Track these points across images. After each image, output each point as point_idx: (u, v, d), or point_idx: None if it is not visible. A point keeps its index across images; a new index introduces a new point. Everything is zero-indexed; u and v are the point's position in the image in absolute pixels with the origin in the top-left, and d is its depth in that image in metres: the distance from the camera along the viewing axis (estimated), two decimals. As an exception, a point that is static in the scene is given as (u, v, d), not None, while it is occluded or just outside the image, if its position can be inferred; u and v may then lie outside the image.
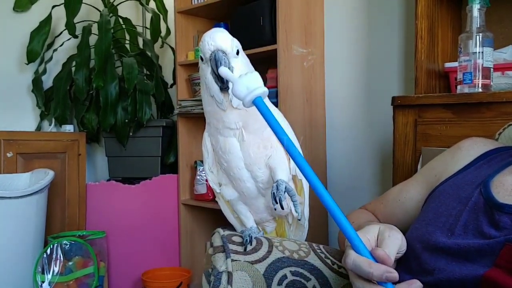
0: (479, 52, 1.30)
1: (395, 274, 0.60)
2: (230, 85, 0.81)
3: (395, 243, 0.66)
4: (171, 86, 2.64)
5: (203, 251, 2.47)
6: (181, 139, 2.38)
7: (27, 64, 2.37)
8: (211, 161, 0.95)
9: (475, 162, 0.81)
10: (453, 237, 0.68)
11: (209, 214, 2.41)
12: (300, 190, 0.96)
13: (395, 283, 0.61)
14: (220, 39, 0.82)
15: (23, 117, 2.46)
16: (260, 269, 0.81)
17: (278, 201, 0.83)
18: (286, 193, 0.85)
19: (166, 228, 2.40)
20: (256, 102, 0.72)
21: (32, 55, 2.35)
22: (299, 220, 0.87)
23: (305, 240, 1.00)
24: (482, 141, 0.86)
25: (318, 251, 0.90)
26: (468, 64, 1.32)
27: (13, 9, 2.42)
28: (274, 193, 0.84)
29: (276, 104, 1.84)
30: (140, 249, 2.34)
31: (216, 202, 2.26)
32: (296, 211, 0.85)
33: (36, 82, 2.40)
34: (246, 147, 0.88)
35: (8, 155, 1.99)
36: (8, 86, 2.41)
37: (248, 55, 0.92)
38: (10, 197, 1.71)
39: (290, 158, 0.91)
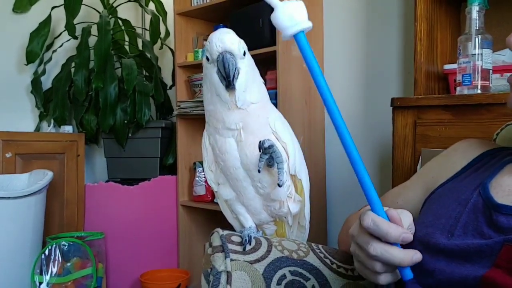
0: (478, 54, 1.30)
1: (410, 236, 0.62)
2: (237, 85, 0.83)
3: (407, 215, 0.66)
4: (170, 87, 2.64)
5: (202, 252, 2.47)
6: (180, 140, 2.38)
7: (27, 65, 2.37)
8: (210, 160, 0.96)
9: (472, 163, 0.81)
10: (453, 238, 0.68)
11: (208, 215, 2.41)
12: (300, 191, 0.96)
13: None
14: (228, 41, 0.83)
15: (22, 117, 2.46)
16: (259, 269, 0.81)
17: (261, 146, 0.83)
18: (272, 155, 0.85)
19: (165, 229, 2.40)
20: (298, 38, 0.63)
21: (31, 56, 2.35)
22: (280, 186, 0.87)
23: (308, 240, 1.00)
24: (478, 142, 0.86)
25: (317, 251, 0.90)
26: (467, 66, 1.32)
27: (13, 10, 2.42)
28: (260, 141, 0.84)
29: (275, 105, 1.85)
30: (139, 251, 2.33)
31: (215, 203, 2.26)
32: (279, 178, 0.86)
33: (35, 83, 2.39)
34: (243, 147, 0.88)
35: (7, 155, 1.98)
36: (7, 86, 2.41)
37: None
38: (8, 198, 1.71)
39: (292, 154, 0.91)
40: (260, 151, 0.84)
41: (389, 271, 0.63)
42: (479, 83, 1.30)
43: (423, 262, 0.69)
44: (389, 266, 0.63)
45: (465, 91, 1.32)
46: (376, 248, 0.61)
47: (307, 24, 0.64)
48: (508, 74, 1.34)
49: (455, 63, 1.39)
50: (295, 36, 0.63)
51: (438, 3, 1.56)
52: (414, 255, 0.61)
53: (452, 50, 1.61)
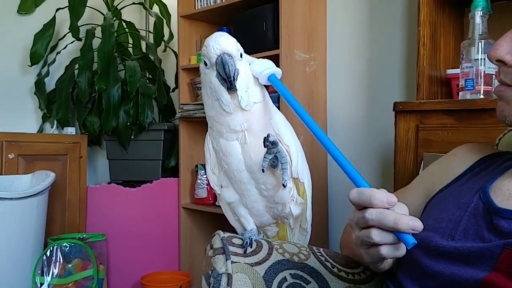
0: (481, 59, 1.30)
1: (395, 198, 0.61)
2: (238, 85, 0.83)
3: (402, 206, 0.65)
4: (173, 90, 2.65)
5: (203, 255, 2.46)
6: (182, 143, 2.38)
7: (30, 66, 2.38)
8: (213, 163, 0.96)
9: (473, 168, 0.81)
10: (453, 241, 0.68)
11: (209, 218, 2.41)
12: (302, 193, 0.96)
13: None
14: (225, 43, 0.83)
15: (25, 119, 2.47)
16: (260, 272, 0.81)
17: (266, 140, 0.84)
18: (276, 155, 0.86)
19: (166, 231, 2.40)
20: (271, 78, 0.87)
21: (35, 57, 2.36)
22: (284, 186, 0.87)
23: (309, 244, 1.00)
24: (478, 147, 0.86)
25: (318, 254, 0.90)
26: (470, 71, 1.32)
27: (18, 11, 2.43)
28: (265, 137, 0.84)
29: (278, 109, 1.85)
30: (140, 253, 2.33)
31: (217, 206, 2.26)
32: (283, 178, 0.86)
33: (39, 84, 2.40)
34: (247, 150, 0.88)
35: (10, 156, 1.99)
36: (11, 87, 2.42)
37: (250, 61, 0.93)
38: (11, 198, 1.71)
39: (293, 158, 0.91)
40: (264, 145, 0.84)
41: (387, 240, 0.61)
42: (482, 88, 1.30)
43: (424, 265, 0.69)
44: (386, 234, 0.61)
45: (468, 96, 1.32)
46: (372, 212, 0.61)
47: (277, 69, 0.89)
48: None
49: (458, 68, 1.39)
50: (269, 77, 0.88)
51: (441, 8, 1.56)
52: (411, 220, 0.59)
53: (455, 55, 1.61)
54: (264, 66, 0.88)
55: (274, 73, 0.88)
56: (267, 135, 0.84)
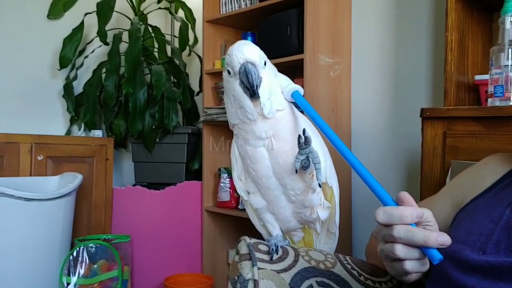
0: (511, 65, 1.28)
1: (421, 211, 0.61)
2: (261, 93, 0.83)
3: (426, 210, 0.65)
4: (197, 94, 2.67)
5: (225, 258, 2.48)
6: (206, 146, 2.40)
7: (59, 70, 2.43)
8: (240, 169, 0.96)
9: (504, 179, 0.80)
10: (485, 255, 0.67)
11: (232, 221, 2.42)
12: (330, 198, 0.96)
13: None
14: (248, 52, 0.83)
15: (54, 121, 2.52)
16: (286, 278, 0.81)
17: (303, 134, 0.84)
18: (308, 156, 0.86)
19: (189, 234, 2.42)
20: (295, 94, 0.90)
21: (64, 61, 2.41)
22: (320, 186, 0.89)
23: (335, 250, 1.00)
24: (509, 156, 0.85)
25: (345, 262, 0.89)
26: (499, 77, 1.30)
27: (47, 16, 2.49)
28: (299, 134, 0.85)
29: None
30: (164, 254, 2.36)
31: (239, 210, 2.26)
32: (317, 178, 0.87)
33: (67, 88, 2.46)
34: (275, 156, 0.89)
35: (39, 158, 2.04)
36: (41, 91, 2.48)
37: (274, 64, 0.94)
38: (39, 199, 1.75)
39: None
40: (299, 142, 0.84)
41: (412, 256, 0.61)
42: (512, 95, 1.28)
43: (454, 278, 0.68)
44: (412, 250, 0.61)
45: (497, 103, 1.29)
46: (400, 230, 0.61)
47: (299, 87, 0.91)
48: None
49: (486, 73, 1.36)
50: (293, 93, 0.90)
51: (469, 13, 1.54)
52: (440, 236, 0.59)
53: (483, 61, 1.59)
54: (288, 82, 0.91)
55: (297, 90, 0.90)
56: (303, 130, 0.84)
